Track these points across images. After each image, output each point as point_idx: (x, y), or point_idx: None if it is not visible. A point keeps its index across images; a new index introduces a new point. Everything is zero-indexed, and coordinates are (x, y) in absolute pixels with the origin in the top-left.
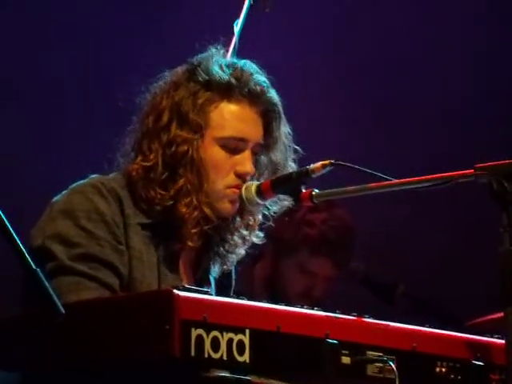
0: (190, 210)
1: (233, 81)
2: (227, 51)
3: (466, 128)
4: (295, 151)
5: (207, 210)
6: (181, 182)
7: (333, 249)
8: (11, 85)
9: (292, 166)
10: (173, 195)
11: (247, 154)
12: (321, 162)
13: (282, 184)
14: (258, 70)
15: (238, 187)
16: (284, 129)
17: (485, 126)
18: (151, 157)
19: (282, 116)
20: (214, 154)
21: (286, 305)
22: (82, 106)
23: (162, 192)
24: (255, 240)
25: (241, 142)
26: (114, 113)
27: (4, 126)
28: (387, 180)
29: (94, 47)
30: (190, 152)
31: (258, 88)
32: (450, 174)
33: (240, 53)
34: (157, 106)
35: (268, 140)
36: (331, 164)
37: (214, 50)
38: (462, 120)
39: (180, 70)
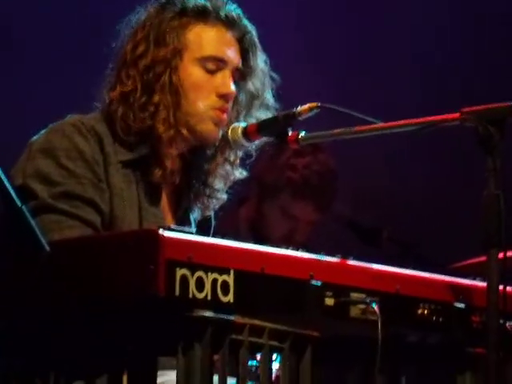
0: (166, 128)
1: (208, 5)
2: None
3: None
4: (273, 79)
5: (184, 130)
6: (156, 98)
7: (315, 193)
8: (6, 33)
9: (270, 95)
10: (150, 115)
11: (227, 74)
12: (308, 105)
13: (269, 126)
14: (229, 1)
15: (222, 110)
16: (261, 56)
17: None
18: (129, 82)
19: (258, 44)
20: (194, 74)
21: (270, 246)
22: (80, 57)
23: (141, 114)
24: (238, 176)
25: (221, 63)
26: (93, 53)
27: None
28: (373, 123)
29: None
30: (168, 72)
31: (234, 14)
32: (436, 117)
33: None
34: (133, 37)
35: (245, 67)
36: (318, 106)
37: None
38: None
39: (155, 3)
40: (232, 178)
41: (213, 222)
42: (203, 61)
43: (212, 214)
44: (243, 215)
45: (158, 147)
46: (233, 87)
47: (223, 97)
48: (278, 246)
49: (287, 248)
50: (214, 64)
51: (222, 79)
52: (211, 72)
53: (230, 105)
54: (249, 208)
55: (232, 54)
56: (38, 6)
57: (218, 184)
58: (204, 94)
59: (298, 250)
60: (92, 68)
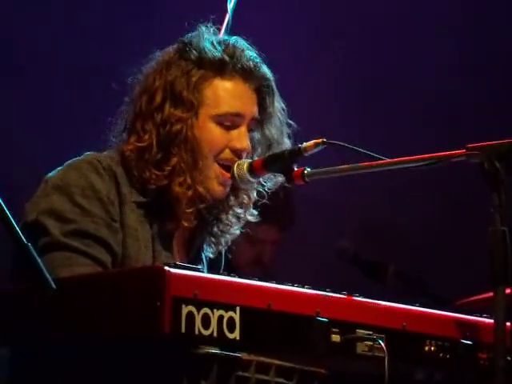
0: (183, 190)
1: (225, 57)
2: (220, 29)
3: (456, 110)
4: (290, 126)
5: (201, 189)
6: (174, 160)
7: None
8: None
9: (287, 142)
10: (167, 175)
11: (243, 129)
12: (313, 141)
13: (274, 162)
14: (249, 47)
15: (231, 163)
16: (278, 104)
17: (473, 108)
18: (145, 137)
19: (276, 91)
20: (210, 131)
21: (276, 283)
22: (74, 84)
23: (157, 172)
24: (250, 218)
25: (236, 118)
26: (106, 92)
27: None
28: (380, 159)
29: (84, 23)
30: (185, 131)
31: (251, 63)
32: (442, 153)
33: (233, 30)
34: (149, 86)
35: (262, 115)
36: (323, 143)
37: (204, 28)
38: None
39: (171, 49)
40: (244, 219)
41: (223, 256)
42: (219, 118)
43: (223, 251)
44: None
45: (175, 206)
46: (247, 143)
47: (237, 152)
48: (283, 282)
49: (293, 284)
50: (230, 120)
51: (237, 134)
52: (227, 128)
53: (243, 158)
54: None
55: (248, 107)
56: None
57: (231, 220)
58: (218, 149)
59: (303, 286)
60: (91, 99)
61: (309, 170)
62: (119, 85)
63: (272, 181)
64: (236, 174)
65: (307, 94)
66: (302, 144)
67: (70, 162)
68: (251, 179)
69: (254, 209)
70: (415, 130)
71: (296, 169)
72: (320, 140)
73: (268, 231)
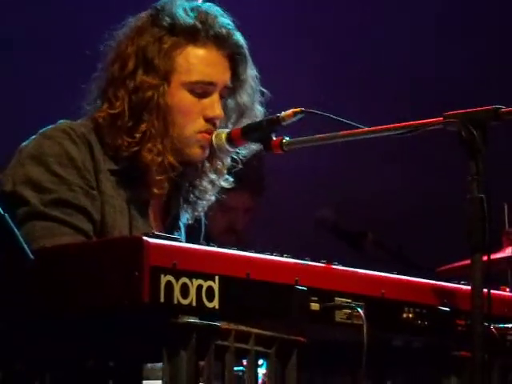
0: (153, 156)
1: (198, 24)
2: None
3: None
4: (262, 94)
5: (171, 157)
6: (144, 126)
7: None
8: None
9: (259, 109)
10: (137, 141)
11: (216, 97)
12: (292, 110)
13: (253, 131)
14: (223, 13)
15: (208, 132)
16: (251, 71)
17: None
18: (117, 104)
19: (249, 59)
20: (182, 98)
21: (255, 252)
22: (47, 52)
23: (129, 139)
24: (224, 184)
25: (209, 86)
26: (79, 59)
27: None
28: (357, 128)
29: None
30: (156, 98)
31: (224, 31)
32: (419, 121)
33: None
34: (122, 52)
35: (235, 83)
36: (302, 112)
37: None
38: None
39: (144, 15)
40: (218, 185)
41: (203, 223)
42: (191, 85)
43: (202, 215)
44: None
45: (146, 173)
46: (220, 110)
47: (210, 120)
48: (261, 251)
49: (272, 253)
50: (202, 88)
51: (210, 103)
52: (199, 96)
53: (217, 126)
54: None
55: (220, 75)
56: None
57: (206, 186)
58: (192, 118)
59: (282, 255)
60: (80, 70)
61: (287, 139)
62: (93, 51)
63: (247, 149)
64: (215, 144)
65: (285, 63)
66: (280, 113)
67: (43, 130)
68: (230, 149)
69: (227, 175)
70: (391, 101)
71: (274, 138)
72: (298, 109)
73: (239, 198)
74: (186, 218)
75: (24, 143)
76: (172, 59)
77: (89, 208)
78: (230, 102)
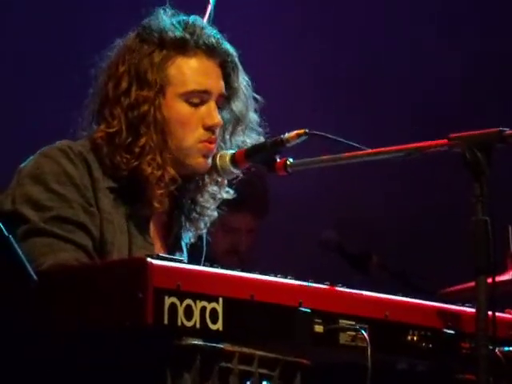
0: (153, 169)
1: (186, 35)
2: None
3: (440, 100)
4: (257, 101)
5: (171, 170)
6: (143, 140)
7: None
8: None
9: (253, 116)
10: (136, 155)
11: (212, 105)
12: (295, 131)
13: (257, 153)
14: (208, 25)
15: (209, 141)
16: (243, 79)
17: (459, 98)
18: (114, 123)
19: (240, 66)
20: (179, 110)
21: (259, 274)
22: (40, 79)
23: (127, 156)
24: (225, 196)
25: (204, 95)
26: (70, 85)
27: None
28: (361, 150)
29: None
30: (152, 111)
31: (213, 40)
32: (424, 143)
33: (215, 21)
34: (114, 72)
35: (229, 91)
36: (306, 133)
37: (162, 11)
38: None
39: (132, 34)
40: (219, 197)
41: (204, 243)
42: (187, 95)
43: (203, 235)
44: None
45: (146, 188)
46: (219, 117)
47: (210, 128)
48: (266, 273)
49: (276, 275)
50: (198, 97)
51: (207, 111)
52: (196, 105)
53: (217, 134)
54: None
55: (214, 83)
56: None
57: (207, 202)
58: (191, 128)
59: (286, 276)
60: (57, 92)
61: (291, 160)
62: (83, 78)
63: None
64: (219, 166)
65: (287, 83)
66: (284, 135)
67: (41, 150)
68: (233, 170)
69: (228, 187)
70: (394, 118)
71: (278, 160)
72: (302, 131)
73: (243, 220)
74: (188, 237)
75: (23, 164)
76: (164, 72)
77: (88, 225)
78: (226, 113)
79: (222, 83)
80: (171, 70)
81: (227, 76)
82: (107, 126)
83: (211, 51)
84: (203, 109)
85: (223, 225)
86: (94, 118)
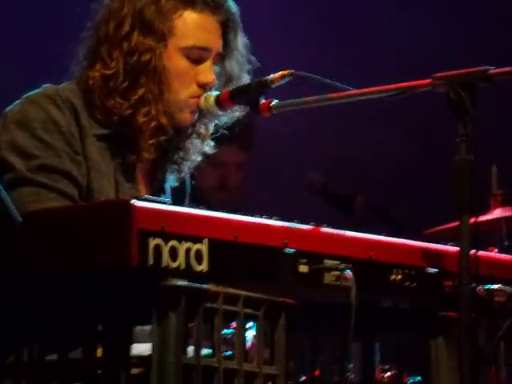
0: (147, 120)
1: None
2: None
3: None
4: (250, 63)
5: (164, 120)
6: (141, 91)
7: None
8: None
9: (247, 78)
10: (132, 104)
11: (209, 63)
12: (280, 72)
13: (241, 94)
14: None
15: (200, 97)
16: (241, 39)
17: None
18: (112, 65)
19: (240, 26)
20: (178, 63)
21: (244, 215)
22: (36, 11)
23: (121, 101)
24: (207, 149)
25: (203, 52)
26: (68, 18)
27: None
28: (346, 90)
29: None
30: (154, 61)
31: None
32: (408, 83)
33: None
34: (117, 12)
35: (225, 49)
36: (290, 74)
37: None
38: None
39: None
40: (202, 150)
41: (188, 185)
42: (187, 50)
43: (187, 177)
44: None
45: (136, 137)
46: (213, 76)
47: (203, 86)
48: (250, 214)
49: (261, 216)
50: (197, 53)
51: (203, 68)
52: (194, 61)
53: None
54: None
55: (215, 41)
56: None
57: (190, 146)
58: (186, 83)
59: (271, 217)
60: (66, 30)
61: (276, 101)
62: (82, 9)
63: (228, 115)
64: (203, 107)
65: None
66: (269, 75)
67: (27, 95)
68: (218, 112)
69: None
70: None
71: (263, 101)
72: (287, 71)
73: (230, 152)
74: (171, 180)
75: (8, 108)
76: (171, 22)
77: (75, 173)
78: (218, 68)
79: (220, 41)
80: (177, 21)
81: (226, 34)
82: (104, 67)
83: (218, 8)
84: (200, 66)
85: (211, 160)
86: (87, 54)
